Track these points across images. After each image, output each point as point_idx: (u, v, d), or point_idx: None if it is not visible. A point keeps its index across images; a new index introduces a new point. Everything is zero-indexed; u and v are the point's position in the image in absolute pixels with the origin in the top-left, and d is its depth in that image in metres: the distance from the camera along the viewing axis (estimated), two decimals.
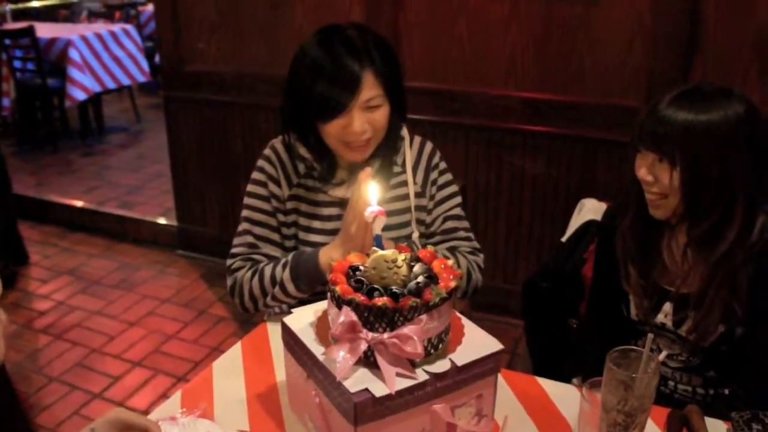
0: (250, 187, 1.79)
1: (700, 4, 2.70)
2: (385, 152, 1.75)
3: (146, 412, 1.30)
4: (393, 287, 1.18)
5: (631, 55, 2.86)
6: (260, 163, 1.80)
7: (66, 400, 2.95)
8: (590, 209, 2.16)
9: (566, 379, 1.64)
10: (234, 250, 1.77)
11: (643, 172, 1.50)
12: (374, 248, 1.29)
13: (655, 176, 1.49)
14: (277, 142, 1.80)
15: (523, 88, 3.08)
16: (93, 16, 8.36)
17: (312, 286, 1.66)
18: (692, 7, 2.71)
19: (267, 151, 1.81)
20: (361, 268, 1.25)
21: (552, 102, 3.04)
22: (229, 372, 1.54)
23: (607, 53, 2.90)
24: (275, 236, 1.77)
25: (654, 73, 2.83)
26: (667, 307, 1.60)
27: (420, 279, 1.20)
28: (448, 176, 1.85)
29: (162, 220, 4.51)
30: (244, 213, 1.78)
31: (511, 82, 3.09)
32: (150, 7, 7.67)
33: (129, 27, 6.72)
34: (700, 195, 1.46)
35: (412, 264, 1.25)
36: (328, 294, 1.23)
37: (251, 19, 3.56)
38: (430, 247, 1.33)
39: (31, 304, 3.75)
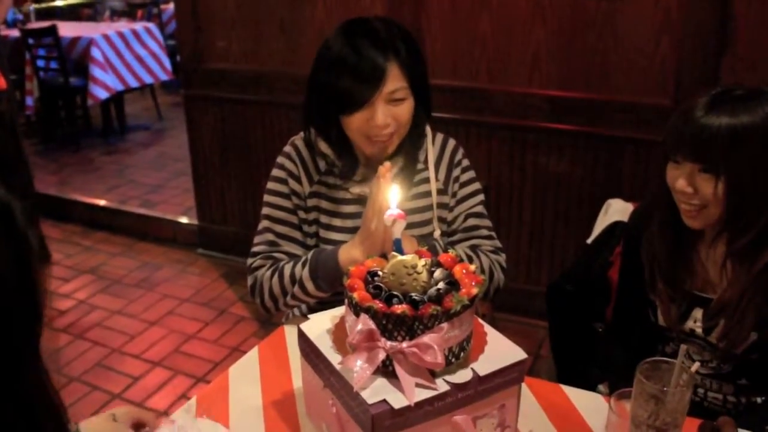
0: (270, 185, 1.76)
1: None
2: (409, 149, 1.71)
3: (166, 413, 1.28)
4: (412, 294, 1.14)
5: (658, 52, 2.79)
6: (280, 159, 1.77)
7: (86, 401, 2.94)
8: (617, 210, 2.11)
9: (591, 385, 1.59)
10: (255, 249, 1.74)
11: (682, 184, 1.41)
12: (394, 253, 1.24)
13: (695, 187, 1.41)
14: (298, 139, 1.77)
15: (547, 85, 3.02)
16: (115, 14, 8.41)
17: (332, 284, 1.63)
18: (722, 2, 2.63)
19: (287, 148, 1.78)
20: (380, 273, 1.21)
21: (576, 100, 2.98)
22: (245, 378, 1.51)
23: (634, 50, 2.83)
24: (296, 234, 1.74)
25: (682, 71, 2.76)
26: (698, 313, 1.54)
27: (441, 285, 1.16)
28: (471, 174, 1.81)
29: (183, 219, 4.50)
30: (265, 210, 1.75)
31: (535, 79, 3.04)
32: (172, 6, 7.69)
33: (151, 25, 6.74)
34: (745, 205, 1.39)
35: (433, 269, 1.21)
36: (346, 300, 1.19)
37: (271, 18, 3.53)
38: (451, 250, 1.29)
39: (53, 303, 3.75)
